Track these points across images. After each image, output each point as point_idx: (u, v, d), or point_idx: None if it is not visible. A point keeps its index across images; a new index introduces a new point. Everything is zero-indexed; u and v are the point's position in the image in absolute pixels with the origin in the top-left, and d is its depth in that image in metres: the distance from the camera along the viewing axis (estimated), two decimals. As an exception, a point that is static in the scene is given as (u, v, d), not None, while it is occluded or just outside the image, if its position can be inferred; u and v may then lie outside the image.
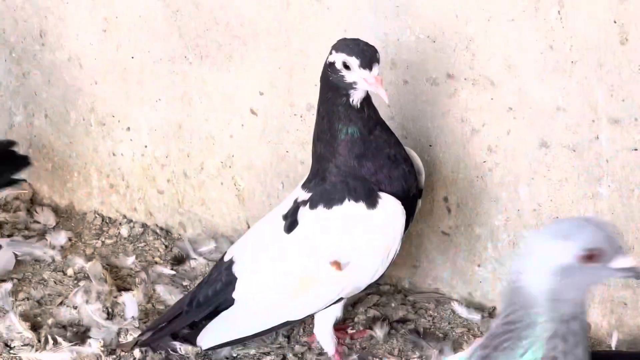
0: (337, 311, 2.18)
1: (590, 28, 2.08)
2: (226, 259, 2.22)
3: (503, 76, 2.20)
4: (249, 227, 2.54)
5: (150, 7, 2.55)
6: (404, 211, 2.09)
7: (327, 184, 2.10)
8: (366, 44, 2.04)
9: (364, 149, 2.08)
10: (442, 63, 2.26)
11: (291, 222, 2.13)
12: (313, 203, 2.11)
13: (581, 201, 2.23)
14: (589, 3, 2.06)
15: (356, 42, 2.04)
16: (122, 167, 2.77)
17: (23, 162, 2.54)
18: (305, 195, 2.13)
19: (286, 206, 2.16)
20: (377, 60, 2.02)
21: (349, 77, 2.02)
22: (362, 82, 2.02)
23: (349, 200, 2.08)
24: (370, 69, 2.01)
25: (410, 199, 2.12)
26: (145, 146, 2.71)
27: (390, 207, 2.08)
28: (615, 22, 2.05)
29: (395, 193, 2.09)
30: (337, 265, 2.08)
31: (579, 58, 2.11)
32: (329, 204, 2.09)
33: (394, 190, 2.09)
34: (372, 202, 2.07)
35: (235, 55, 2.49)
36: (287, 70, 2.44)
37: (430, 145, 2.36)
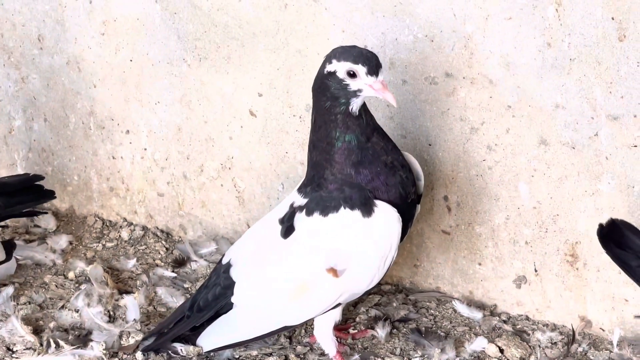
0: (336, 315, 2.18)
1: (588, 25, 2.08)
2: (224, 261, 2.22)
3: (501, 74, 2.20)
4: (249, 228, 2.54)
5: (149, 10, 2.55)
6: (400, 219, 2.08)
7: (323, 191, 2.09)
8: (367, 50, 2.03)
9: (361, 157, 2.07)
10: (440, 62, 2.26)
11: (288, 227, 2.12)
12: (309, 210, 2.10)
13: (581, 198, 2.23)
14: (587, 0, 2.06)
15: (357, 49, 2.03)
16: (122, 170, 2.77)
17: (49, 195, 2.60)
18: (301, 201, 2.12)
19: (282, 210, 2.16)
20: (381, 65, 2.02)
21: (354, 85, 2.01)
22: (367, 88, 2.01)
23: (345, 208, 2.07)
24: (377, 75, 2.00)
25: (408, 205, 2.12)
26: (145, 149, 2.71)
27: (386, 215, 2.07)
28: (613, 18, 2.05)
29: (392, 200, 2.08)
30: (334, 272, 2.08)
31: (577, 55, 2.11)
32: (324, 211, 2.08)
33: (390, 197, 2.08)
34: (367, 210, 2.06)
35: (234, 57, 2.49)
36: (286, 71, 2.44)
37: (429, 145, 2.36)
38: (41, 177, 2.58)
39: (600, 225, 1.99)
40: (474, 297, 2.45)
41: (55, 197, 2.61)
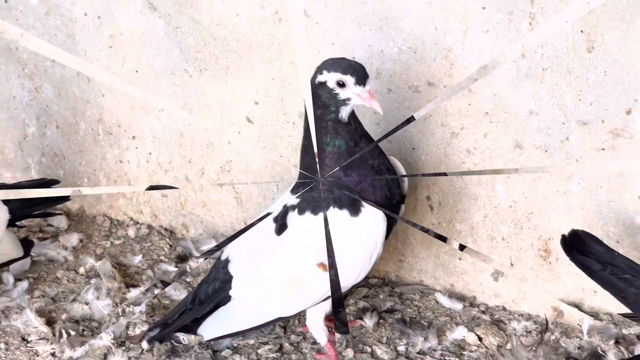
0: (326, 307, 2.20)
1: (560, 37, 2.12)
2: (223, 257, 2.24)
3: (479, 83, 2.22)
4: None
5: (153, 25, 2.58)
6: (385, 218, 2.09)
7: (314, 191, 2.11)
8: (355, 61, 2.05)
9: (350, 160, 2.09)
10: (423, 72, 2.28)
11: (281, 225, 2.15)
12: (301, 209, 2.12)
13: (553, 198, 2.26)
14: (558, 14, 2.02)
15: (346, 61, 2.05)
16: (129, 173, 2.81)
17: (63, 198, 2.61)
18: (294, 201, 2.14)
19: (276, 209, 2.18)
20: (368, 76, 2.04)
21: (343, 94, 2.03)
22: (355, 97, 2.03)
23: (334, 207, 2.08)
24: (365, 85, 2.03)
25: (393, 205, 2.14)
26: (150, 153, 2.75)
27: (372, 215, 2.09)
28: (582, 31, 2.09)
29: (379, 201, 2.10)
30: (324, 267, 2.08)
31: (549, 65, 2.14)
32: (315, 210, 2.10)
33: (377, 198, 2.10)
34: (355, 210, 2.08)
35: (232, 68, 2.51)
36: (280, 81, 2.46)
37: (413, 149, 2.38)
38: (57, 182, 2.60)
39: (563, 236, 2.00)
40: (455, 290, 2.48)
41: (69, 200, 2.61)
